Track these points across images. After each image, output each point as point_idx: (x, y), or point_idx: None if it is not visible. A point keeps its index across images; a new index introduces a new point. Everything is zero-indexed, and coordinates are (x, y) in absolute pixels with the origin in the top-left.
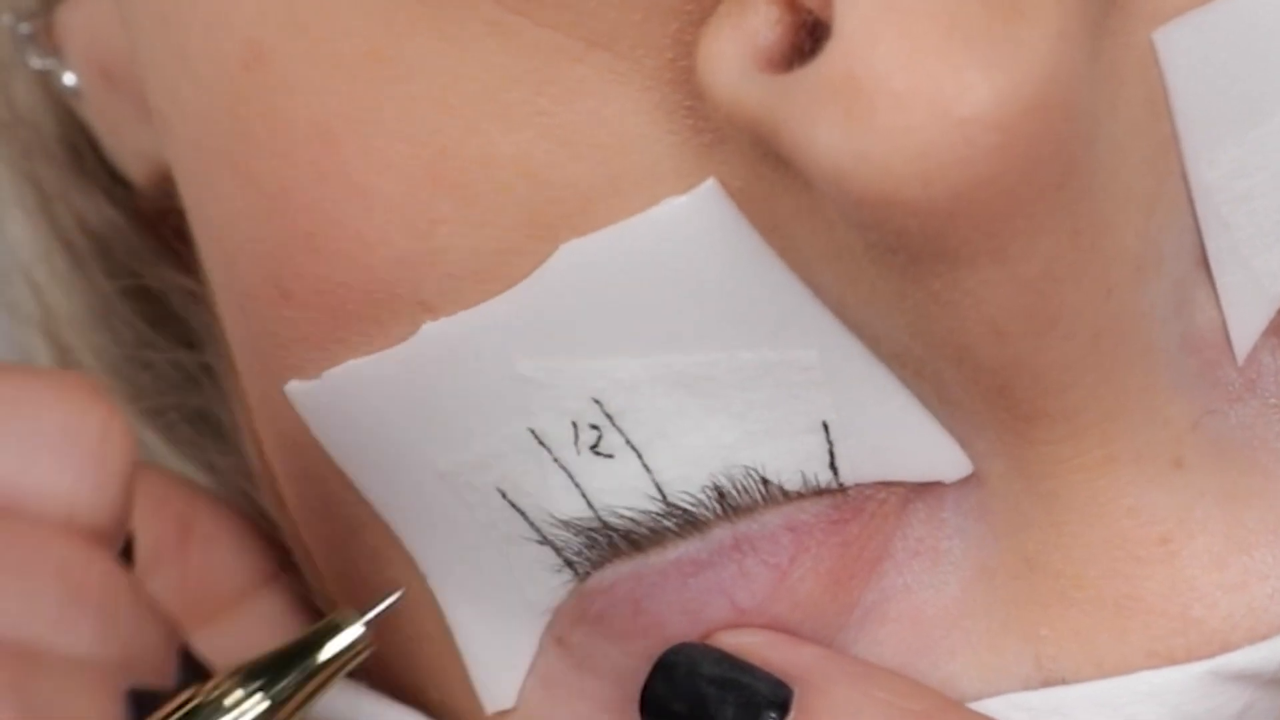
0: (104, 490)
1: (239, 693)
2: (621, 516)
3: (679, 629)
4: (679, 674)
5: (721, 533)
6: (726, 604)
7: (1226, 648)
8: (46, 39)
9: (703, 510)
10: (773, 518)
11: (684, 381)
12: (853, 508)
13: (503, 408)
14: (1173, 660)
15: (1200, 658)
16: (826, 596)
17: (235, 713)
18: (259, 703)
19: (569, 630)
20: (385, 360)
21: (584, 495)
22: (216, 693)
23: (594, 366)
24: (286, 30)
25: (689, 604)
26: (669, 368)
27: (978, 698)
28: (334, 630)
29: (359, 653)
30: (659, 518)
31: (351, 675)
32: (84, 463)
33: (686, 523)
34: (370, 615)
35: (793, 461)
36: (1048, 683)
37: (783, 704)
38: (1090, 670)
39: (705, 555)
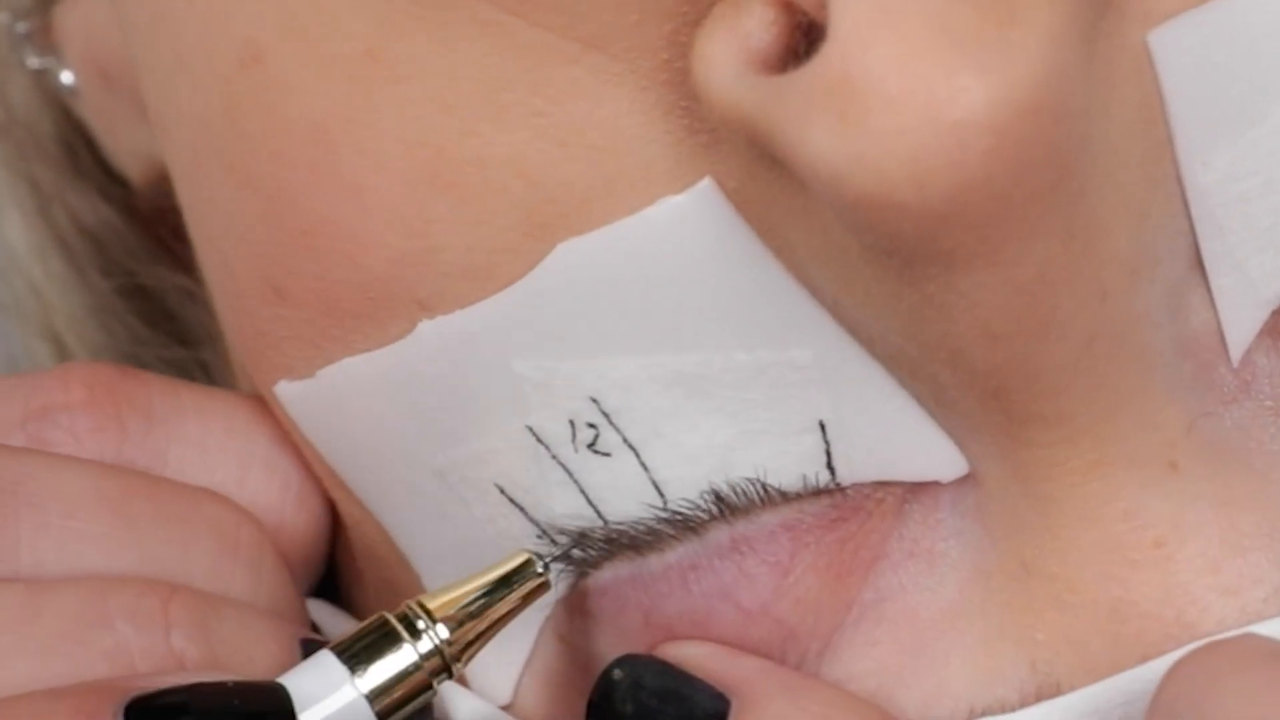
0: (304, 508)
1: (424, 620)
2: (620, 523)
3: (685, 634)
4: (622, 685)
5: (719, 534)
6: (731, 608)
7: None
8: (43, 38)
9: (700, 513)
10: (770, 518)
11: (680, 381)
12: (849, 507)
13: (500, 405)
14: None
15: None
16: (827, 592)
17: (424, 639)
18: (442, 632)
19: (568, 627)
20: (382, 358)
21: (582, 492)
22: (406, 619)
23: (591, 365)
24: (282, 30)
25: (696, 613)
26: (665, 367)
27: (972, 702)
28: (520, 570)
29: (538, 592)
30: (656, 523)
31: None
32: (289, 477)
33: (684, 527)
34: (551, 558)
35: (789, 462)
36: (1041, 687)
37: (720, 716)
38: (1083, 676)
39: (704, 559)
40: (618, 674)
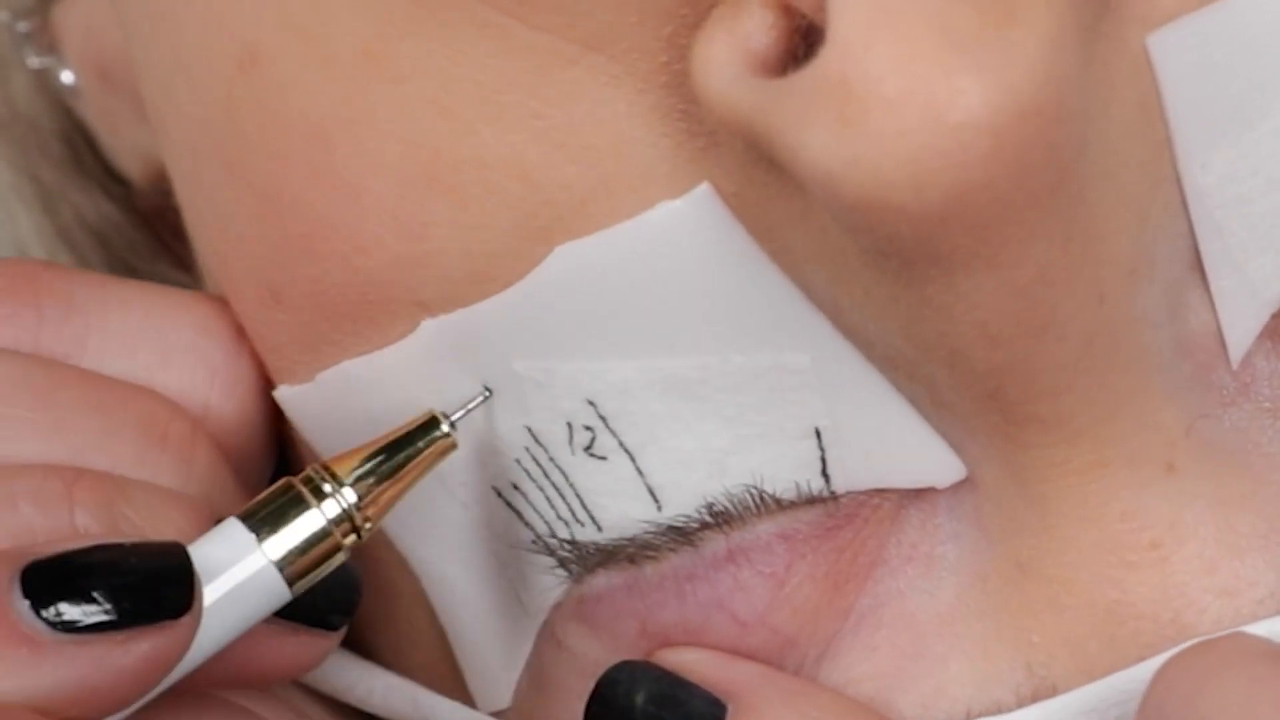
0: (233, 395)
1: (330, 484)
2: (616, 535)
3: (680, 642)
4: (619, 691)
5: (715, 545)
6: (727, 618)
7: None
8: (44, 37)
9: (695, 524)
10: (766, 527)
11: (677, 385)
12: (846, 515)
13: (499, 407)
14: None
15: None
16: (824, 602)
17: (331, 502)
18: (349, 495)
19: (565, 632)
20: (381, 360)
21: (578, 495)
22: (312, 483)
23: (588, 368)
24: (281, 31)
25: (691, 623)
26: (662, 371)
27: (969, 705)
28: (424, 428)
29: (445, 451)
30: (653, 534)
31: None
32: (215, 365)
33: (680, 537)
34: (457, 415)
35: (785, 468)
36: (1038, 689)
37: None
38: (1079, 678)
39: (701, 568)
40: (615, 679)
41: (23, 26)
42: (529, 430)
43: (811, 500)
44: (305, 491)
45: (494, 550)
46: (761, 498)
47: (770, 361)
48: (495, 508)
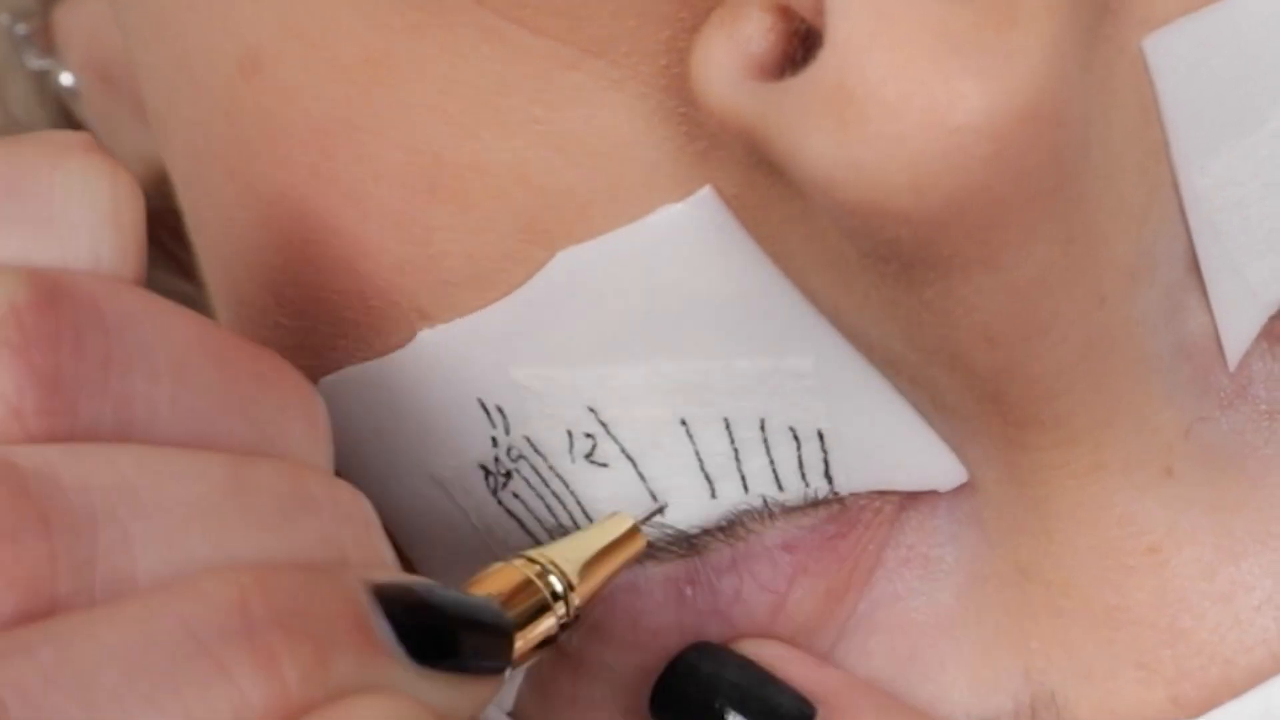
0: (124, 252)
1: (561, 584)
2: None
3: (677, 647)
4: (700, 674)
5: (719, 552)
6: (726, 627)
7: (1214, 659)
8: (44, 39)
9: (696, 529)
10: (770, 535)
11: (679, 390)
12: (848, 520)
13: (499, 415)
14: (1160, 673)
15: (1188, 669)
16: (825, 612)
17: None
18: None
19: (565, 636)
20: (382, 367)
21: (580, 504)
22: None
23: (589, 374)
24: (282, 36)
25: (686, 627)
26: (664, 376)
27: (968, 711)
28: (618, 530)
29: (638, 556)
30: (658, 542)
31: None
32: (100, 230)
33: (683, 544)
34: (643, 519)
35: (788, 470)
36: (1036, 695)
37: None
38: (1076, 683)
39: (702, 575)
40: (694, 662)
41: (23, 29)
42: (528, 439)
43: (815, 503)
44: (548, 597)
45: (495, 556)
46: (765, 502)
47: (773, 365)
48: (497, 516)
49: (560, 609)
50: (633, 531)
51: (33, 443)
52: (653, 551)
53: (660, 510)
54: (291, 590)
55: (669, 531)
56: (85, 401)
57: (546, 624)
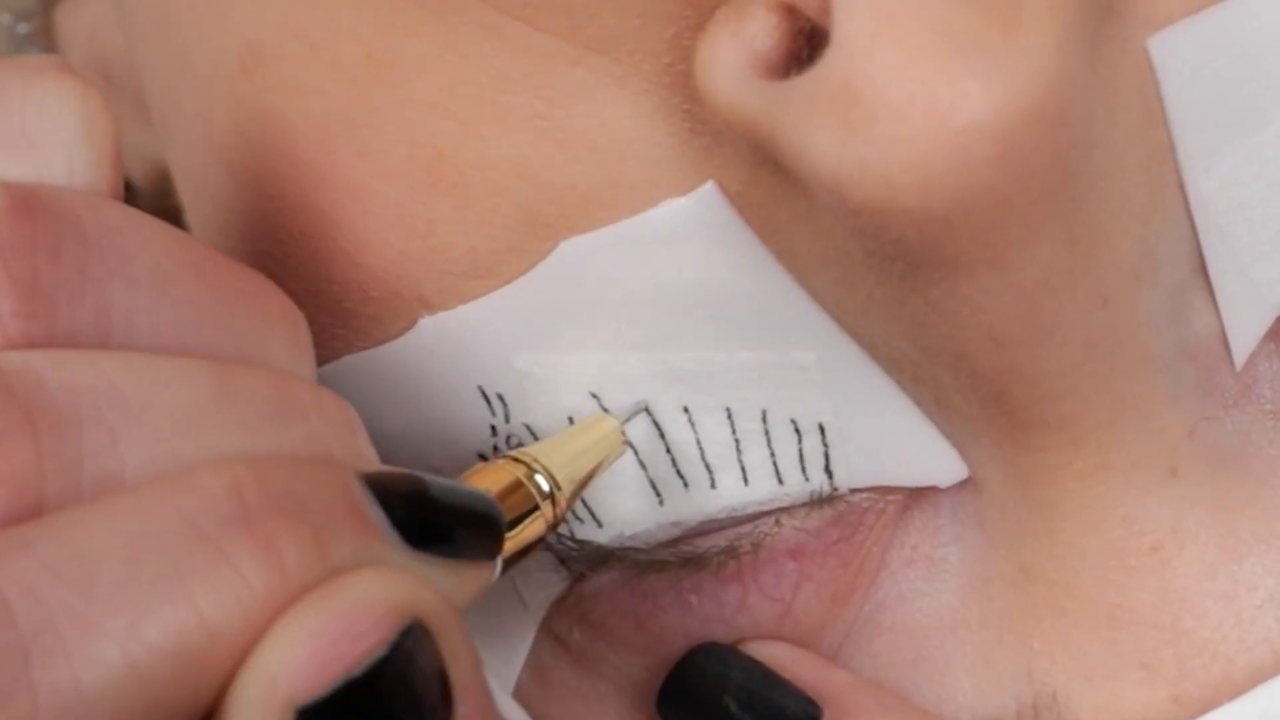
0: (98, 167)
1: (550, 484)
2: (623, 546)
3: (681, 650)
4: (707, 675)
5: (724, 565)
6: (730, 632)
7: (1215, 659)
8: (46, 39)
9: (693, 528)
10: (775, 543)
11: (681, 378)
12: (851, 523)
13: (500, 402)
14: (1163, 672)
15: (1190, 669)
16: (830, 616)
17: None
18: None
19: (568, 630)
20: (383, 355)
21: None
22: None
23: (592, 361)
24: (284, 33)
25: (691, 630)
26: (666, 364)
27: (973, 712)
28: (600, 431)
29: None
30: (662, 552)
31: None
32: (73, 147)
33: (687, 552)
34: (625, 420)
35: (788, 463)
36: (1039, 695)
37: None
38: (1081, 683)
39: (707, 583)
40: (700, 663)
41: (24, 29)
42: (528, 427)
43: (820, 502)
44: (536, 495)
45: None
46: (769, 509)
47: (775, 358)
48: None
49: (548, 509)
50: (615, 432)
51: (13, 348)
52: (655, 561)
53: (644, 409)
54: (286, 478)
55: (667, 524)
56: (64, 307)
57: (534, 524)
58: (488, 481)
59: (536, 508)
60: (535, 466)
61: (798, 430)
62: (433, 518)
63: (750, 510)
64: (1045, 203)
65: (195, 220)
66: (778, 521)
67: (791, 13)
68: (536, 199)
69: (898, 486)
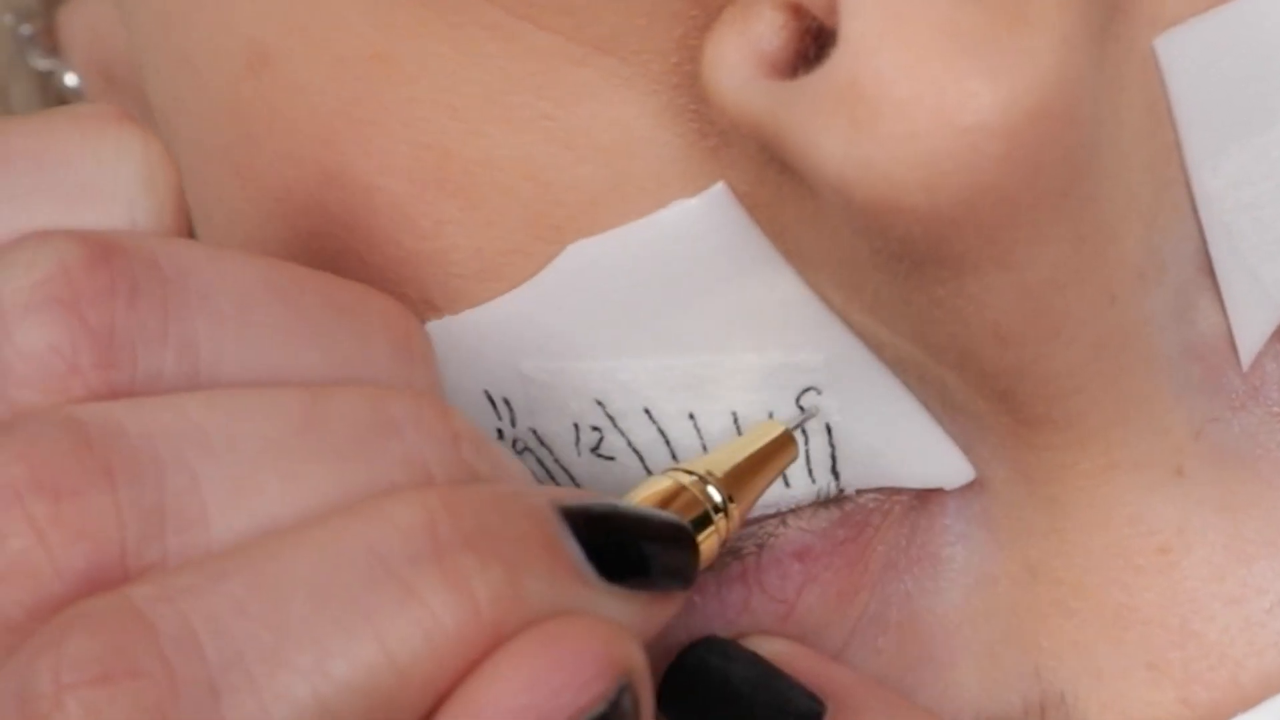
0: (160, 214)
1: (722, 497)
2: None
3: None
4: (709, 671)
5: (729, 568)
6: (734, 631)
7: (1224, 662)
8: (48, 40)
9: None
10: (781, 543)
11: (688, 383)
12: (858, 523)
13: (506, 407)
14: (1170, 674)
15: (1197, 671)
16: (834, 614)
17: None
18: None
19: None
20: None
21: None
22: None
23: (597, 367)
24: (289, 33)
25: (695, 627)
26: (672, 370)
27: (978, 711)
28: (769, 437)
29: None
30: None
31: None
32: (135, 195)
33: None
34: (795, 425)
35: (794, 467)
36: (1045, 694)
37: (814, 717)
38: (1088, 683)
39: (711, 584)
40: (702, 655)
41: (27, 30)
42: (534, 432)
43: (826, 503)
44: (710, 510)
45: None
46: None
47: (783, 360)
48: None
49: (721, 523)
50: (784, 439)
51: (96, 399)
52: None
53: (813, 415)
54: (480, 511)
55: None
56: (146, 352)
57: (709, 538)
58: (660, 496)
59: (710, 522)
60: (707, 478)
61: (805, 432)
62: (629, 548)
63: (757, 513)
64: (1052, 201)
65: (200, 221)
66: (784, 522)
67: (798, 12)
68: (543, 200)
69: (904, 489)
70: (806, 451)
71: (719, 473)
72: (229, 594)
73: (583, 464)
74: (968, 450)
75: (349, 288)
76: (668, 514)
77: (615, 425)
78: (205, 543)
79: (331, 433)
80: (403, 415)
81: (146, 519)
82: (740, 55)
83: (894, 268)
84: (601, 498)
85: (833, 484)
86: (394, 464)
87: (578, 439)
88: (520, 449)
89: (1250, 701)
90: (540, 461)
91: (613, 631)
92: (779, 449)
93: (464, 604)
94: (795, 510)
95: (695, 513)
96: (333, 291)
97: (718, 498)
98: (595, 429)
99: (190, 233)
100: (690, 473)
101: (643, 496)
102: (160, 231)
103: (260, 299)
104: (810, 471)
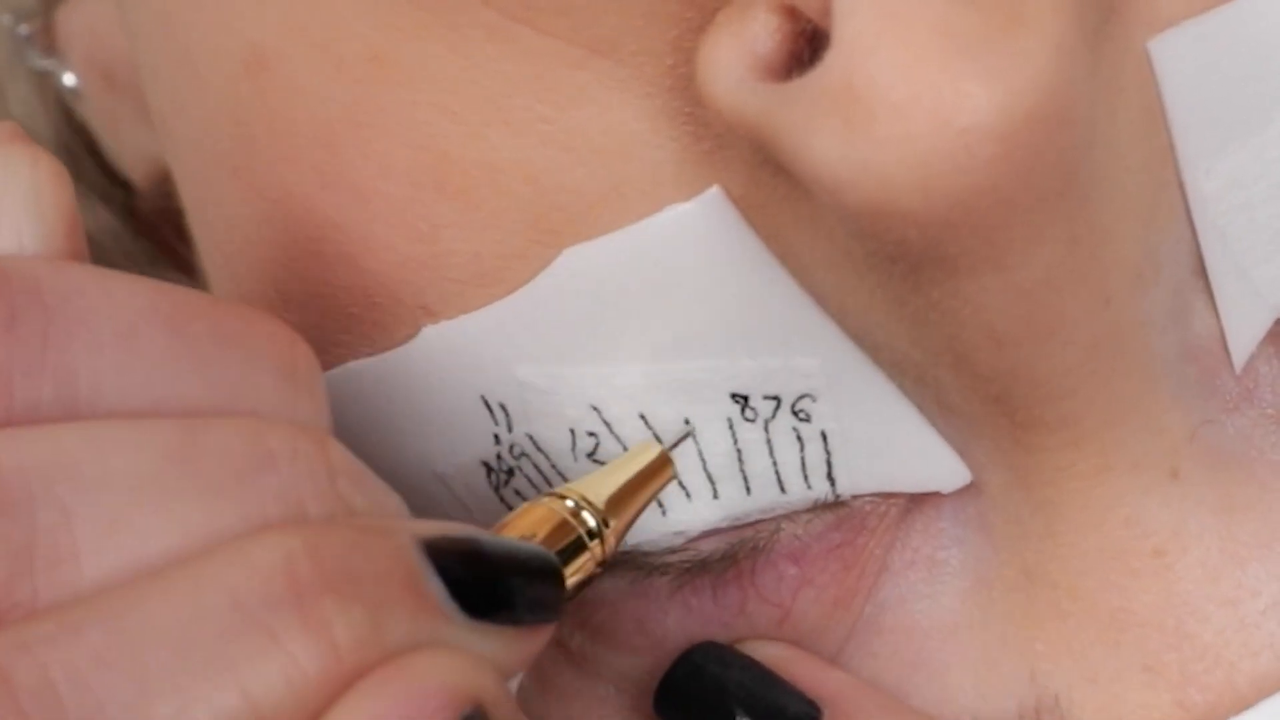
0: (49, 237)
1: (597, 522)
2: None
3: (680, 651)
4: (705, 675)
5: (725, 570)
6: (730, 635)
7: (1219, 664)
8: (47, 40)
9: (696, 532)
10: (776, 547)
11: (684, 389)
12: (853, 526)
13: (502, 412)
14: (1166, 676)
15: (1193, 673)
16: (830, 618)
17: (595, 544)
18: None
19: (569, 634)
20: (385, 363)
21: None
22: (579, 518)
23: (593, 373)
24: (288, 34)
25: (692, 632)
26: (668, 375)
27: (974, 714)
28: (645, 459)
29: (666, 483)
30: (664, 555)
31: None
32: (20, 217)
33: (688, 558)
34: (671, 446)
35: (790, 471)
36: (1041, 698)
37: None
38: (1084, 686)
39: (707, 586)
40: (698, 662)
41: (25, 29)
42: (531, 437)
43: (821, 507)
44: (584, 536)
45: None
46: (772, 514)
47: (778, 365)
48: (499, 513)
49: (597, 548)
50: (662, 459)
51: None
52: (658, 564)
53: (689, 435)
54: (341, 551)
55: (675, 537)
56: (22, 381)
57: (584, 564)
58: (532, 523)
59: (585, 549)
60: (581, 503)
61: (800, 438)
62: (491, 582)
63: (753, 518)
64: (1047, 202)
65: (197, 223)
66: (779, 526)
67: (793, 14)
68: (540, 203)
69: (900, 493)
70: (802, 458)
71: (594, 496)
72: (89, 644)
73: (579, 469)
74: (963, 453)
75: (237, 313)
76: (534, 547)
77: (611, 430)
78: (76, 581)
79: (206, 467)
80: (279, 448)
81: (16, 557)
82: (734, 57)
83: (889, 270)
84: (469, 530)
85: (829, 490)
86: (268, 499)
87: (574, 444)
88: (517, 454)
89: (1245, 703)
90: (537, 467)
91: (463, 663)
92: (656, 470)
93: (324, 648)
94: (791, 515)
95: (569, 538)
96: (219, 318)
97: (592, 523)
98: (591, 434)
99: (85, 255)
100: (563, 497)
101: (516, 523)
102: (48, 255)
103: (144, 326)
104: (806, 478)
